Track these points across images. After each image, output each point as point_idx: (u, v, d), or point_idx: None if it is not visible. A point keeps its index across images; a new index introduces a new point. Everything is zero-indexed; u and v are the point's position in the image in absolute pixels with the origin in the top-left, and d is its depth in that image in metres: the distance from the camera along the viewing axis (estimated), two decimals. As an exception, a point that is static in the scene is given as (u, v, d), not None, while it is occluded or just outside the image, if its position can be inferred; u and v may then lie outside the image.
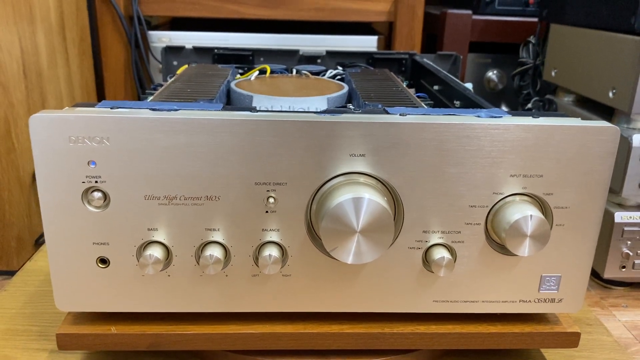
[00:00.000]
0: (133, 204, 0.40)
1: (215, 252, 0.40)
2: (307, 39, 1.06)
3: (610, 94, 0.79)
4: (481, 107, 0.49)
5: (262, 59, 0.79)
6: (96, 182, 0.39)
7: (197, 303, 0.43)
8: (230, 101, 0.58)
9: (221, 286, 0.42)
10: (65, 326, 0.43)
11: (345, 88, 0.59)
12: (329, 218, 0.38)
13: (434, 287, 0.43)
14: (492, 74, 1.27)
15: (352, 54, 0.81)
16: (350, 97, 0.59)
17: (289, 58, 0.80)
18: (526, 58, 1.18)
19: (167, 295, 0.42)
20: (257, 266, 0.42)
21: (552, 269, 0.43)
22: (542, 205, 0.42)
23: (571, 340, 0.45)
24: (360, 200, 0.37)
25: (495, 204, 0.41)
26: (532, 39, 1.16)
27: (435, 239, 0.42)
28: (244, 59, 0.78)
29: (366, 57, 0.80)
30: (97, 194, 0.39)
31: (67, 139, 0.38)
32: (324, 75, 0.70)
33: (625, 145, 0.73)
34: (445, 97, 0.62)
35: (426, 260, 0.42)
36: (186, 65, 0.72)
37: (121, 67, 1.08)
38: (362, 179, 0.40)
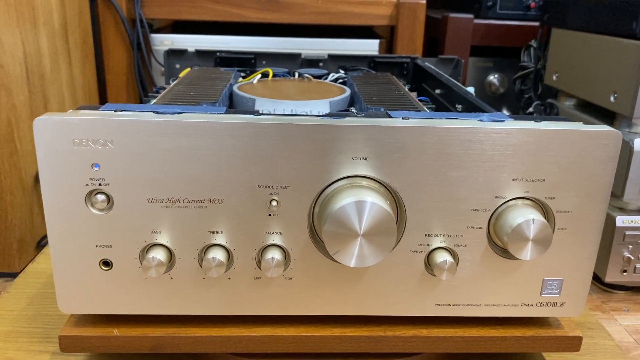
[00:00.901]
0: (136, 207, 0.40)
1: (218, 254, 0.40)
2: (309, 43, 1.06)
3: (612, 98, 0.79)
4: (483, 111, 0.49)
5: (264, 62, 0.80)
6: (100, 184, 0.39)
7: (200, 306, 0.43)
8: (232, 104, 0.58)
9: (224, 289, 0.42)
10: (68, 328, 0.43)
11: (348, 91, 0.59)
12: (331, 221, 0.38)
13: (436, 290, 0.43)
14: (493, 78, 1.27)
15: (354, 58, 0.81)
16: (352, 101, 0.59)
17: (291, 61, 0.80)
18: (527, 62, 1.18)
19: (170, 298, 0.42)
20: (260, 269, 0.42)
21: (554, 272, 0.43)
22: (544, 209, 0.42)
23: (573, 344, 0.45)
24: (363, 204, 0.37)
25: (497, 208, 0.41)
26: (533, 43, 1.16)
27: (437, 242, 0.42)
28: (246, 62, 0.79)
29: (368, 60, 0.80)
30: (101, 197, 0.39)
31: (71, 142, 0.38)
32: (326, 78, 0.70)
33: (626, 150, 0.73)
34: (447, 101, 0.62)
35: (428, 263, 0.42)
36: (189, 69, 0.72)
37: (123, 70, 1.08)
38: (364, 182, 0.40)
